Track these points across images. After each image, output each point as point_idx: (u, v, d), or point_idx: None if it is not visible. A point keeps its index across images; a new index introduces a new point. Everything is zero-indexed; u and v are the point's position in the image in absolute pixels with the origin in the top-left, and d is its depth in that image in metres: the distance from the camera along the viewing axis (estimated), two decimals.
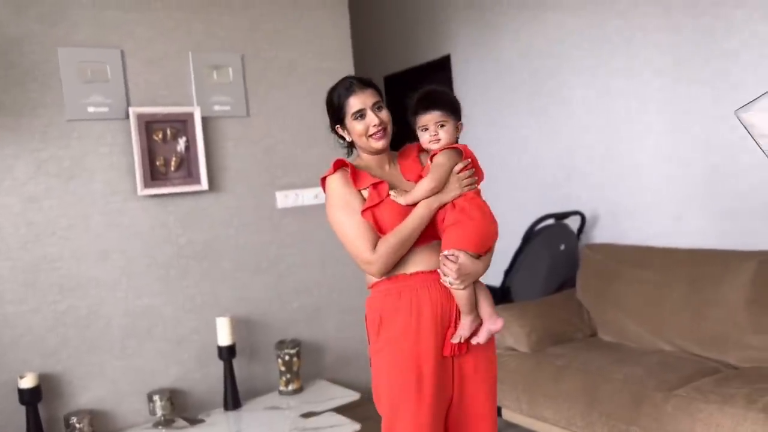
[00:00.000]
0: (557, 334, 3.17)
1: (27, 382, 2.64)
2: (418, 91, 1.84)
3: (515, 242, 3.89)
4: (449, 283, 1.73)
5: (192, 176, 3.09)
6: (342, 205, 1.78)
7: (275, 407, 3.08)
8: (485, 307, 1.81)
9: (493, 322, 1.80)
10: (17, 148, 2.74)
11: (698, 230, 3.15)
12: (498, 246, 4.23)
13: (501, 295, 3.59)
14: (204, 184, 3.11)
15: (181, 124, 3.06)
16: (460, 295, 1.75)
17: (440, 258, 1.76)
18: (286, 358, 3.14)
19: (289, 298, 3.39)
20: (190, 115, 3.07)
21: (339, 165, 1.82)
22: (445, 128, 1.79)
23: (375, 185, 1.78)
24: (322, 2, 3.54)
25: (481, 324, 1.80)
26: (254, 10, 3.32)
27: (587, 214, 3.63)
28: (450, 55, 4.52)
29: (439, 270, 1.77)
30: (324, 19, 3.55)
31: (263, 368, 3.32)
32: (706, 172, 3.10)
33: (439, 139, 1.78)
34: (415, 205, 1.77)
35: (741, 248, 2.88)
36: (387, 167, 1.88)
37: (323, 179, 1.85)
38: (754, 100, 1.69)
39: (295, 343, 3.19)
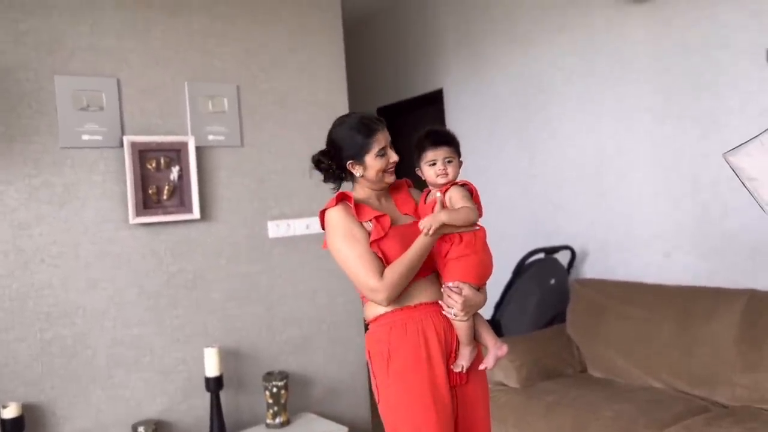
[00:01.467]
0: (547, 369, 3.16)
1: (10, 412, 2.59)
2: (424, 129, 1.94)
3: (505, 275, 3.90)
4: (453, 315, 1.81)
5: (184, 205, 3.09)
6: (346, 236, 1.82)
7: None
8: (488, 335, 1.92)
9: (498, 348, 1.90)
10: (9, 174, 2.73)
11: (687, 267, 3.18)
12: (491, 280, 4.25)
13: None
14: (196, 213, 3.10)
15: (175, 153, 3.07)
16: (462, 327, 1.83)
17: (443, 290, 1.85)
18: (274, 390, 3.11)
19: (278, 329, 3.36)
20: (185, 145, 3.08)
21: (341, 198, 1.87)
22: (452, 164, 1.89)
23: (378, 218, 1.85)
24: (318, 35, 3.59)
25: (478, 354, 1.90)
26: (250, 41, 3.36)
27: (577, 249, 3.66)
28: (442, 89, 4.58)
29: (441, 302, 1.85)
30: (319, 52, 3.59)
31: (250, 400, 3.28)
32: (695, 209, 3.15)
33: (447, 174, 1.87)
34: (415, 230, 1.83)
35: (730, 286, 2.91)
36: (383, 201, 1.97)
37: (323, 212, 1.89)
38: (741, 144, 1.73)
39: (283, 375, 3.16)
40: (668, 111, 3.21)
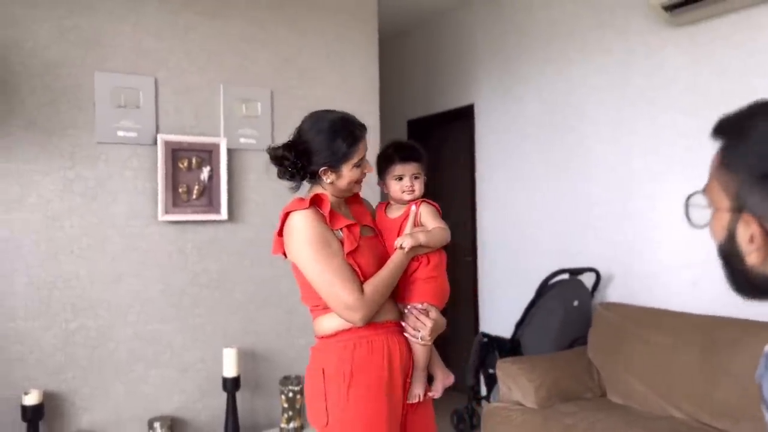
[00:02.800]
0: (566, 391, 3.12)
1: (31, 399, 2.64)
2: (392, 141, 1.89)
3: (527, 294, 3.88)
4: (420, 338, 1.74)
5: (212, 205, 3.13)
6: (320, 245, 1.65)
7: None
8: (437, 361, 1.88)
9: (446, 377, 1.89)
10: (46, 166, 2.79)
11: (714, 297, 3.12)
12: (510, 297, 4.20)
13: (510, 348, 3.56)
14: (224, 214, 3.14)
15: (207, 154, 3.12)
16: (423, 351, 1.78)
17: (409, 311, 1.77)
18: (290, 394, 3.12)
19: (296, 334, 3.37)
20: (216, 146, 3.12)
21: (315, 201, 1.71)
22: (419, 180, 1.85)
23: (349, 227, 1.72)
24: (354, 45, 3.63)
25: (430, 379, 1.85)
26: (287, 47, 3.40)
27: (602, 272, 3.61)
28: (474, 105, 4.58)
29: (405, 323, 1.77)
30: (354, 61, 3.62)
31: (266, 403, 3.29)
32: None
33: (413, 191, 1.83)
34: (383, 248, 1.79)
35: (757, 318, 2.85)
36: (343, 208, 1.84)
37: (288, 213, 1.70)
38: None
39: (300, 381, 3.16)
40: (703, 138, 3.16)
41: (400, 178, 1.83)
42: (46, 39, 2.79)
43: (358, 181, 1.79)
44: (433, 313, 1.77)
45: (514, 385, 3.12)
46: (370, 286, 1.67)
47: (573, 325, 3.46)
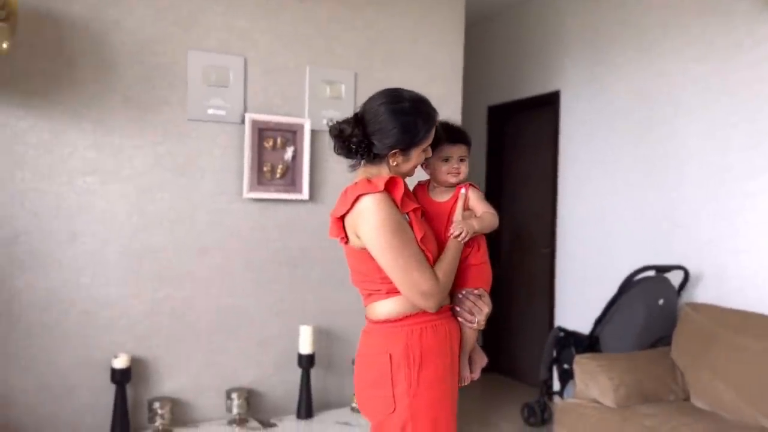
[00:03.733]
0: (647, 392, 3.00)
1: (120, 363, 2.77)
2: (439, 120, 1.76)
3: (607, 290, 3.75)
4: (476, 322, 1.73)
5: (295, 185, 3.17)
6: (398, 231, 1.60)
7: (346, 423, 3.08)
8: (476, 345, 1.86)
9: (483, 359, 1.88)
10: (140, 140, 2.90)
11: None
12: (589, 292, 4.09)
13: (589, 344, 3.46)
14: (305, 194, 3.18)
15: (291, 134, 3.16)
16: (472, 335, 1.79)
17: (464, 296, 1.75)
18: None
19: None
20: (301, 126, 3.16)
21: (393, 184, 1.64)
22: (464, 163, 1.80)
23: (415, 211, 1.67)
24: (440, 28, 3.58)
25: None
26: (373, 30, 3.40)
27: (691, 270, 3.44)
28: (560, 91, 4.44)
29: (460, 308, 1.75)
30: (439, 46, 3.58)
31: (338, 382, 3.33)
32: None
33: (459, 173, 1.78)
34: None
35: None
36: None
37: (360, 196, 1.61)
38: None
39: None
40: None
41: (447, 160, 1.77)
42: (143, 18, 2.89)
43: (418, 165, 1.74)
44: (487, 298, 1.76)
45: (592, 383, 3.03)
46: (441, 272, 1.65)
47: (657, 324, 3.32)
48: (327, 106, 3.27)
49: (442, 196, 1.80)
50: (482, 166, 5.20)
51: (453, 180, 1.78)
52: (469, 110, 4.92)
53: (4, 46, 2.36)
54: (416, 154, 1.68)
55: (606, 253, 4.02)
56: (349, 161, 1.73)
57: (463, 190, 1.77)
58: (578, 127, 4.28)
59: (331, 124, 1.70)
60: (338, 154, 1.71)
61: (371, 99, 1.69)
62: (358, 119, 1.66)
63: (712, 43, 3.38)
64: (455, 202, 1.77)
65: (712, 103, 3.38)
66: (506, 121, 5.14)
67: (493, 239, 5.08)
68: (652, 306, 3.27)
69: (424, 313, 1.66)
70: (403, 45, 3.48)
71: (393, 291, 1.67)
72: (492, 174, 5.16)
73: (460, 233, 1.69)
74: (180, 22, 2.96)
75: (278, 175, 3.13)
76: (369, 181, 1.62)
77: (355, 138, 1.63)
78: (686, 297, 3.47)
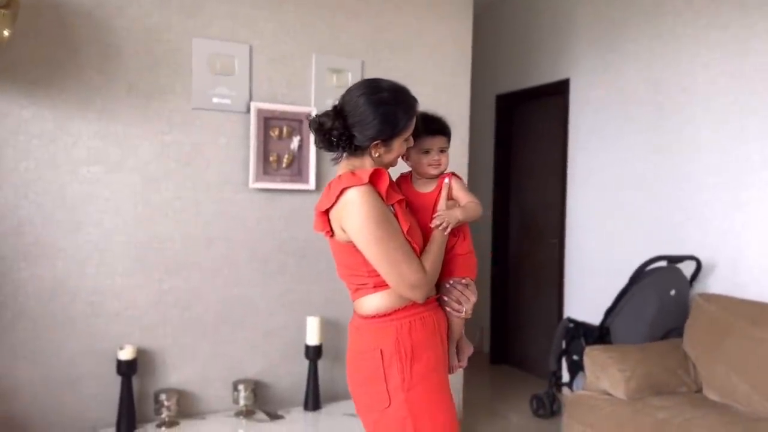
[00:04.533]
0: (659, 384, 2.96)
1: (126, 354, 2.75)
2: (420, 112, 1.74)
3: (617, 280, 3.70)
4: (464, 311, 1.74)
5: (301, 175, 3.13)
6: (384, 223, 1.58)
7: (354, 415, 3.04)
8: (462, 334, 1.87)
9: (469, 348, 1.88)
10: (145, 130, 2.86)
11: None
12: (599, 282, 4.04)
13: (599, 335, 3.42)
14: (311, 184, 3.14)
15: (297, 123, 3.12)
16: (459, 324, 1.80)
17: (451, 285, 1.76)
18: None
19: None
20: (307, 115, 3.11)
21: (378, 176, 1.61)
22: (445, 154, 1.79)
23: (399, 203, 1.66)
24: (448, 16, 3.52)
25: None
26: (380, 18, 3.34)
27: (703, 261, 3.39)
28: (569, 79, 4.38)
29: (447, 298, 1.75)
30: (447, 34, 3.52)
31: (345, 374, 3.30)
32: None
33: (440, 164, 1.77)
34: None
35: None
36: None
37: (344, 189, 1.58)
38: None
39: None
40: None
41: (427, 152, 1.76)
42: (148, 5, 2.85)
43: (400, 156, 1.73)
44: (473, 287, 1.77)
45: (603, 374, 2.99)
46: (427, 263, 1.65)
47: (668, 315, 3.27)
48: (333, 95, 3.22)
49: (425, 187, 1.79)
50: (490, 155, 5.15)
51: (434, 171, 1.77)
52: (477, 99, 4.87)
53: (6, 33, 2.33)
54: (398, 144, 1.67)
55: (616, 243, 3.97)
56: (331, 154, 1.71)
57: (446, 180, 1.76)
58: (588, 116, 4.22)
59: (309, 118, 1.67)
60: (319, 147, 1.68)
61: (350, 90, 1.66)
62: (338, 111, 1.63)
63: (726, 28, 3.31)
64: (439, 192, 1.75)
65: (727, 90, 3.32)
66: (515, 110, 5.08)
67: (501, 230, 5.06)
68: (663, 297, 3.22)
69: (412, 305, 1.66)
70: (410, 33, 3.43)
71: (380, 284, 1.66)
72: (500, 164, 5.11)
73: (443, 223, 1.68)
74: (184, 10, 2.92)
75: (284, 165, 3.10)
76: (353, 173, 1.60)
77: (336, 131, 1.61)
78: (698, 288, 3.42)
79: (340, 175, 1.63)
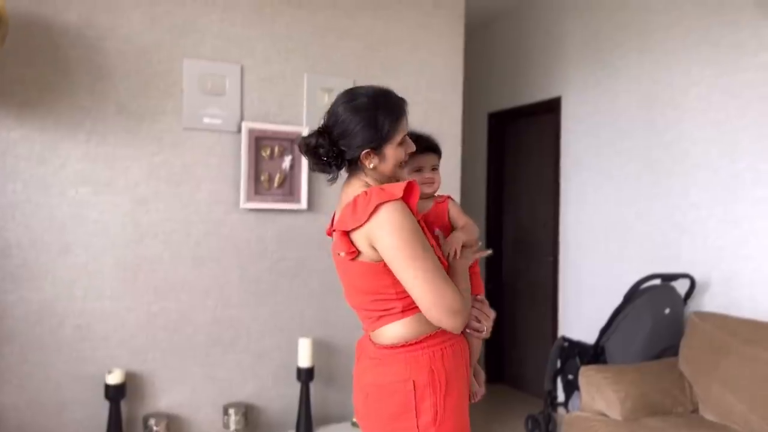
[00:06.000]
0: (654, 404, 2.92)
1: (114, 378, 2.70)
2: (409, 131, 1.67)
3: (612, 298, 3.68)
4: (484, 330, 1.65)
5: (293, 195, 3.11)
6: (422, 241, 1.47)
7: None
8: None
9: (482, 372, 1.78)
10: (135, 150, 2.84)
11: None
12: (593, 301, 4.01)
13: (593, 355, 3.38)
14: (303, 203, 3.12)
15: (289, 143, 3.10)
16: (479, 345, 1.72)
17: (473, 305, 1.66)
18: None
19: None
20: (299, 135, 3.10)
21: (411, 191, 1.49)
22: (437, 172, 1.77)
23: (423, 219, 1.58)
24: (439, 35, 3.53)
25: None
26: (371, 36, 3.35)
27: (698, 279, 3.38)
28: (561, 97, 4.39)
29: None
30: (439, 52, 3.53)
31: (339, 396, 3.26)
32: None
33: (433, 182, 1.75)
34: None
35: None
36: None
37: (379, 205, 1.45)
38: None
39: None
40: None
41: (419, 170, 1.74)
42: (139, 25, 2.84)
43: (401, 163, 1.60)
44: (488, 304, 1.71)
45: (598, 395, 2.96)
46: (463, 292, 1.53)
47: (663, 334, 3.25)
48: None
49: (419, 208, 1.73)
50: (483, 173, 5.14)
51: (427, 190, 1.74)
52: (469, 117, 4.87)
53: None
54: (391, 151, 1.55)
55: (610, 261, 3.95)
56: (327, 175, 1.60)
57: (434, 204, 1.74)
58: (581, 133, 4.23)
59: (298, 142, 1.60)
60: (314, 170, 1.60)
61: (332, 104, 1.59)
62: (323, 128, 1.56)
63: (716, 45, 3.33)
64: (436, 215, 1.72)
65: (718, 107, 3.32)
66: (507, 128, 5.09)
67: (495, 248, 5.04)
68: (658, 315, 3.20)
69: (441, 332, 1.53)
70: (402, 52, 3.43)
71: (409, 308, 1.53)
72: (493, 182, 5.10)
73: (452, 252, 1.61)
74: (175, 30, 2.91)
75: (276, 185, 3.07)
76: (382, 189, 1.48)
77: (322, 147, 1.52)
78: (693, 306, 3.40)
79: (366, 192, 1.49)
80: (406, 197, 1.48)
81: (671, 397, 2.98)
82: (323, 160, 1.54)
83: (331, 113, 1.56)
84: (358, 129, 1.50)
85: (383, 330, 1.57)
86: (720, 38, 3.31)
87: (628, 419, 2.86)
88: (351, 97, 1.55)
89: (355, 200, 1.50)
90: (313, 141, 1.54)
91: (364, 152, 1.52)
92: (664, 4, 3.63)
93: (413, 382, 1.49)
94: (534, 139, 4.81)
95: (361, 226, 1.48)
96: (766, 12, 3.08)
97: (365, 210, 1.46)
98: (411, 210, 1.49)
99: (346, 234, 1.52)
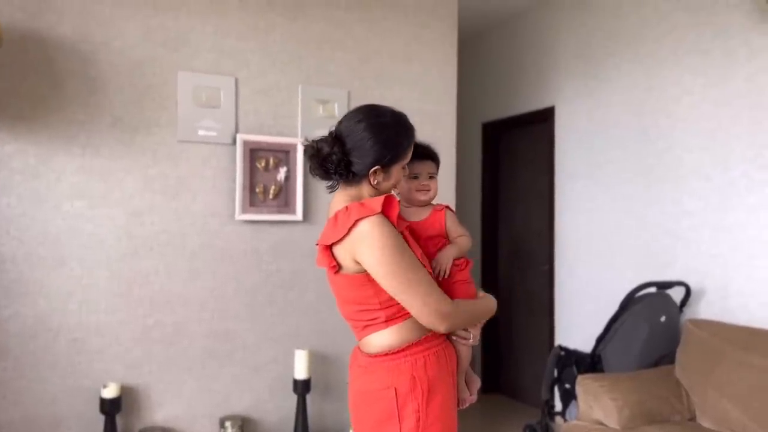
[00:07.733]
0: (652, 412, 2.92)
1: (109, 392, 2.69)
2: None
3: (608, 307, 3.69)
4: (473, 338, 1.70)
5: (288, 206, 3.11)
6: (404, 251, 1.52)
7: None
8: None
9: (477, 379, 1.80)
10: (130, 163, 2.84)
11: None
12: (589, 309, 4.02)
13: (590, 363, 3.38)
14: (299, 215, 3.12)
15: (284, 154, 3.11)
16: (467, 353, 1.74)
17: None
18: None
19: None
20: (294, 146, 3.11)
21: (389, 205, 1.54)
22: (434, 180, 1.77)
23: (407, 230, 1.61)
24: (433, 46, 3.55)
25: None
26: (365, 48, 3.36)
27: (693, 286, 3.38)
28: (554, 107, 4.41)
29: None
30: (433, 63, 3.55)
31: (335, 407, 3.25)
32: None
33: (429, 189, 1.75)
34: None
35: None
36: None
37: (357, 220, 1.50)
38: None
39: None
40: None
41: (416, 177, 1.74)
42: (133, 38, 2.85)
43: (398, 183, 1.67)
44: None
45: (596, 404, 2.95)
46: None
47: (659, 342, 3.25)
48: (320, 126, 3.22)
49: (416, 216, 1.75)
50: (478, 183, 5.16)
51: (423, 198, 1.74)
52: (464, 127, 4.89)
53: None
54: (396, 171, 1.61)
55: (606, 269, 3.96)
56: (326, 182, 1.65)
57: (431, 211, 1.76)
58: (574, 143, 4.25)
59: (305, 143, 1.62)
60: (314, 175, 1.62)
61: (348, 117, 1.61)
62: (336, 137, 1.58)
63: (707, 54, 3.36)
64: (431, 224, 1.73)
65: (710, 115, 3.35)
66: (501, 137, 5.11)
67: (490, 257, 5.04)
68: (654, 323, 3.21)
69: (425, 339, 1.59)
70: (396, 63, 3.45)
71: (393, 317, 1.58)
72: (488, 191, 5.12)
73: (441, 270, 1.67)
74: (169, 43, 2.92)
75: (271, 196, 3.08)
76: (362, 204, 1.53)
77: (334, 156, 1.54)
78: (688, 313, 3.41)
79: (347, 207, 1.54)
80: (385, 211, 1.53)
81: (668, 404, 2.98)
82: (329, 168, 1.56)
83: (349, 126, 1.58)
84: (377, 147, 1.55)
85: (369, 339, 1.62)
86: (711, 47, 3.34)
87: (626, 428, 2.86)
88: (374, 114, 1.58)
89: (336, 215, 1.55)
90: (327, 149, 1.56)
91: (374, 168, 1.56)
92: (655, 14, 3.66)
93: (395, 389, 1.55)
94: (528, 149, 4.83)
95: (340, 240, 1.53)
96: (756, 21, 3.11)
97: (345, 225, 1.51)
98: (392, 223, 1.53)
99: (328, 248, 1.57)
